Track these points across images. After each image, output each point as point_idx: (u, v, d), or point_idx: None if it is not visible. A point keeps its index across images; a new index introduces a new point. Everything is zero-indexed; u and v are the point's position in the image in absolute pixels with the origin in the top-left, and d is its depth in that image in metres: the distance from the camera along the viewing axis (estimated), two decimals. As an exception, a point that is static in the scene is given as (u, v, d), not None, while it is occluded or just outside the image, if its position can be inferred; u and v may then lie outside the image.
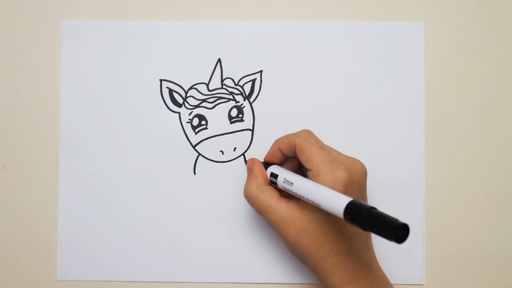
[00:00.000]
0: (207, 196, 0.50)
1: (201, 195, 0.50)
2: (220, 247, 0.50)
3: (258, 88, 0.50)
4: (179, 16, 0.51)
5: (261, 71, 0.50)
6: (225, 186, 0.50)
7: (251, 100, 0.50)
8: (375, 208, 0.36)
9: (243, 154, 0.50)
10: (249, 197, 0.45)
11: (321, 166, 0.42)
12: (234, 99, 0.50)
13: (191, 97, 0.50)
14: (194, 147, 0.50)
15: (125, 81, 0.50)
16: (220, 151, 0.50)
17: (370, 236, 0.45)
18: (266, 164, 0.48)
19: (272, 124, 0.50)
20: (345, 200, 0.38)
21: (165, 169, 0.50)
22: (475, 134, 0.51)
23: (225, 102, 0.50)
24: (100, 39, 0.50)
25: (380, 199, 0.50)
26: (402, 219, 0.50)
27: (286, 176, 0.44)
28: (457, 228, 0.50)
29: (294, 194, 0.43)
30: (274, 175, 0.46)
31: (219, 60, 0.50)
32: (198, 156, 0.50)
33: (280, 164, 0.47)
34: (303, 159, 0.44)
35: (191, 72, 0.50)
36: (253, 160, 0.48)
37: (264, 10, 0.51)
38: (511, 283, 0.50)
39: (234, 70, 0.50)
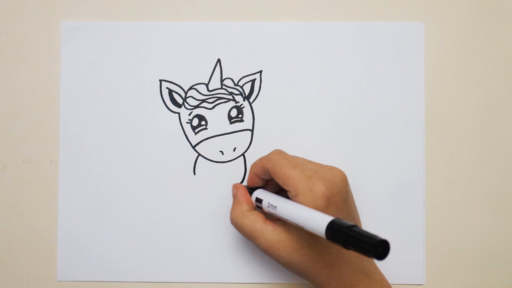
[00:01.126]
0: (207, 196, 0.50)
1: (201, 195, 0.50)
2: (220, 247, 0.50)
3: (258, 88, 0.50)
4: (178, 16, 0.51)
5: (260, 71, 0.50)
6: (225, 187, 0.50)
7: (251, 100, 0.50)
8: (355, 226, 0.36)
9: (243, 154, 0.50)
10: (235, 224, 0.45)
11: (298, 185, 0.42)
12: (233, 99, 0.50)
13: (190, 98, 0.50)
14: (194, 147, 0.50)
15: (124, 82, 0.50)
16: (220, 151, 0.50)
17: None
18: (251, 189, 0.47)
19: (272, 124, 0.50)
20: (326, 220, 0.37)
21: (165, 170, 0.50)
22: (475, 134, 0.51)
23: (224, 102, 0.50)
24: (100, 39, 0.50)
25: (380, 199, 0.50)
26: (402, 219, 0.50)
27: (270, 200, 0.44)
28: (457, 228, 0.50)
29: (280, 218, 0.43)
30: (259, 200, 0.45)
31: (218, 60, 0.50)
32: (198, 157, 0.50)
33: (264, 186, 0.47)
34: (279, 181, 0.43)
35: (191, 73, 0.50)
36: (236, 185, 0.48)
37: (264, 10, 0.51)
38: (511, 283, 0.50)
39: (234, 70, 0.50)
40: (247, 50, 0.50)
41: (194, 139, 0.50)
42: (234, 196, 0.47)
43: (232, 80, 0.50)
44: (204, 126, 0.50)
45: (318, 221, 0.38)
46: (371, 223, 0.50)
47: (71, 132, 0.50)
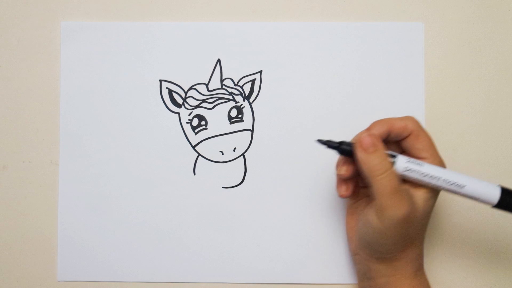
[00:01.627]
0: (207, 196, 0.50)
1: (201, 195, 0.50)
2: (220, 247, 0.50)
3: (258, 88, 0.50)
4: (178, 16, 0.51)
5: (260, 71, 0.50)
6: (225, 186, 0.50)
7: (251, 100, 0.50)
8: None
9: (243, 154, 0.50)
10: (384, 176, 0.41)
11: (436, 153, 0.43)
12: (233, 100, 0.50)
13: (190, 98, 0.50)
14: (194, 147, 0.50)
15: (124, 82, 0.50)
16: (220, 151, 0.50)
17: None
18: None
19: (271, 124, 0.50)
20: (496, 187, 0.41)
21: (165, 169, 0.50)
22: (475, 134, 0.51)
23: (224, 102, 0.50)
24: (100, 39, 0.50)
25: (380, 199, 0.50)
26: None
27: (410, 159, 0.43)
28: (457, 228, 0.50)
29: (421, 181, 0.42)
30: (391, 156, 0.43)
31: (218, 61, 0.50)
32: (198, 157, 0.50)
33: None
34: (419, 145, 0.43)
35: (191, 73, 0.50)
36: (372, 135, 0.43)
37: (264, 10, 0.51)
38: (511, 283, 0.50)
39: (234, 71, 0.50)
40: (247, 50, 0.50)
41: (194, 139, 0.50)
42: (374, 146, 0.42)
43: (232, 80, 0.50)
44: (204, 126, 0.50)
45: (489, 189, 0.42)
46: (371, 223, 0.50)
47: (71, 132, 0.50)
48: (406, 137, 0.44)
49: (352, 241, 0.47)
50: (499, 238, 0.50)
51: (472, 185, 0.42)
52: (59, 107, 0.50)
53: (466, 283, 0.50)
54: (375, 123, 0.44)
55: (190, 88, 0.50)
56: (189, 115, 0.50)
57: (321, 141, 0.44)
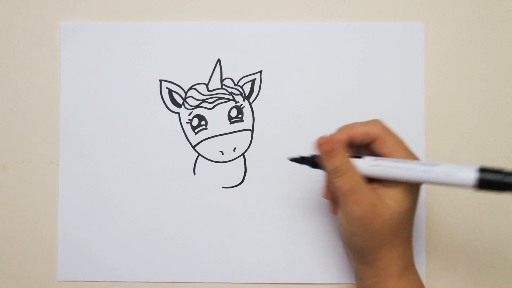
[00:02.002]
0: (207, 196, 0.50)
1: (201, 195, 0.50)
2: (220, 247, 0.50)
3: (258, 88, 0.50)
4: (178, 16, 0.51)
5: (260, 71, 0.50)
6: (225, 186, 0.50)
7: (251, 100, 0.50)
8: (503, 169, 0.38)
9: (243, 154, 0.50)
10: (340, 174, 0.42)
11: (405, 157, 0.42)
12: (233, 99, 0.50)
13: (190, 98, 0.50)
14: (193, 147, 0.50)
15: (124, 82, 0.50)
16: (220, 151, 0.50)
17: None
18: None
19: (271, 124, 0.50)
20: (474, 169, 0.39)
21: (165, 170, 0.50)
22: (475, 134, 0.51)
23: (224, 102, 0.50)
24: (100, 39, 0.50)
25: (380, 199, 0.50)
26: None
27: (392, 163, 0.42)
28: (457, 228, 0.50)
29: (392, 177, 0.41)
30: (374, 167, 0.42)
31: (218, 61, 0.50)
32: (198, 157, 0.50)
33: None
34: (385, 150, 0.42)
35: (191, 73, 0.50)
36: (328, 137, 0.43)
37: (264, 10, 0.51)
38: (511, 283, 0.50)
39: (234, 70, 0.50)
40: (247, 50, 0.50)
41: (194, 139, 0.50)
42: (332, 148, 0.42)
43: (232, 80, 0.50)
44: (204, 126, 0.50)
45: (464, 172, 0.39)
46: (371, 223, 0.50)
47: (71, 132, 0.50)
48: (372, 142, 0.43)
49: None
50: (499, 238, 0.50)
51: (445, 166, 0.40)
52: (59, 107, 0.50)
53: (466, 283, 0.50)
54: (338, 129, 0.44)
55: (190, 88, 0.50)
56: (189, 115, 0.50)
57: (294, 159, 0.45)
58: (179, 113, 0.50)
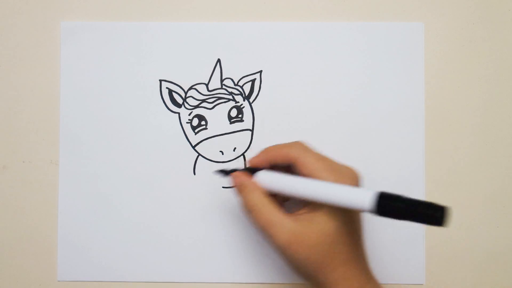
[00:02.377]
0: (207, 196, 0.50)
1: (201, 195, 0.50)
2: (220, 247, 0.50)
3: (258, 88, 0.50)
4: (178, 16, 0.51)
5: (260, 71, 0.50)
6: (225, 186, 0.50)
7: (251, 100, 0.50)
8: (404, 196, 0.35)
9: (243, 154, 0.50)
10: (251, 211, 0.42)
11: (327, 177, 0.40)
12: (233, 99, 0.50)
13: (190, 98, 0.50)
14: (193, 147, 0.50)
15: (124, 82, 0.50)
16: (220, 151, 0.50)
17: (365, 245, 0.44)
18: (251, 171, 0.44)
19: (271, 124, 0.50)
20: (371, 193, 0.36)
21: (165, 169, 0.50)
22: (475, 134, 0.51)
23: (224, 102, 0.50)
24: (100, 39, 0.50)
25: (380, 199, 0.50)
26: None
27: (289, 180, 0.41)
28: (457, 228, 0.50)
29: (304, 198, 0.41)
30: (274, 182, 0.42)
31: (218, 60, 0.50)
32: (198, 156, 0.50)
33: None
34: (304, 171, 0.41)
35: (191, 73, 0.50)
36: (237, 174, 0.44)
37: (264, 10, 0.51)
38: (511, 283, 0.50)
39: (234, 70, 0.50)
40: (247, 50, 0.50)
41: (194, 139, 0.50)
42: (241, 185, 0.43)
43: (232, 80, 0.50)
44: (204, 126, 0.50)
45: (363, 195, 0.37)
46: (371, 222, 0.50)
47: (71, 132, 0.50)
48: (293, 164, 0.42)
49: None
50: (499, 238, 0.50)
51: (345, 189, 0.38)
52: (59, 107, 0.50)
53: (466, 283, 0.50)
54: (260, 152, 0.44)
55: (190, 88, 0.50)
56: (189, 115, 0.50)
57: (218, 172, 0.46)
58: (179, 113, 0.50)
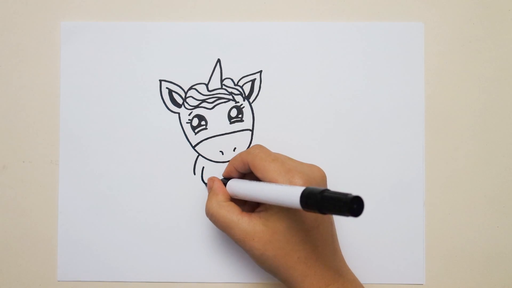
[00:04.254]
0: (207, 196, 0.50)
1: (201, 195, 0.50)
2: (220, 247, 0.50)
3: (258, 88, 0.50)
4: (178, 16, 0.51)
5: (260, 71, 0.50)
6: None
7: (251, 100, 0.50)
8: (328, 190, 0.36)
9: (243, 154, 0.50)
10: (211, 215, 0.45)
11: (278, 178, 0.42)
12: (233, 99, 0.50)
13: (190, 98, 0.50)
14: (193, 147, 0.50)
15: (124, 82, 0.50)
16: (220, 151, 0.50)
17: (337, 240, 0.44)
18: (226, 180, 0.48)
19: (271, 124, 0.50)
20: (299, 189, 0.38)
21: (165, 169, 0.50)
22: (475, 134, 0.51)
23: (224, 102, 0.50)
24: (100, 39, 0.50)
25: (380, 199, 0.50)
26: (402, 219, 0.50)
27: (242, 184, 0.45)
28: (457, 228, 0.50)
29: (253, 199, 0.43)
30: (232, 187, 0.46)
31: (218, 60, 0.50)
32: (198, 157, 0.50)
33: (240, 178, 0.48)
34: (259, 175, 0.43)
35: (191, 73, 0.50)
36: (212, 178, 0.48)
37: (264, 10, 0.51)
38: (511, 283, 0.50)
39: (234, 70, 0.50)
40: (247, 50, 0.50)
41: (194, 139, 0.50)
42: (210, 188, 0.47)
43: (232, 80, 0.50)
44: (204, 126, 0.50)
45: (291, 192, 0.38)
46: (371, 222, 0.50)
47: (71, 132, 0.50)
48: (251, 169, 0.44)
49: None
50: (499, 238, 0.50)
51: (281, 196, 0.39)
52: (59, 107, 0.50)
53: (466, 283, 0.50)
54: (228, 162, 0.49)
55: (190, 88, 0.50)
56: (189, 115, 0.50)
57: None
58: (179, 113, 0.50)
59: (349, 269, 0.44)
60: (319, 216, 0.42)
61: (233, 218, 0.43)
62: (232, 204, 0.45)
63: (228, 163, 0.48)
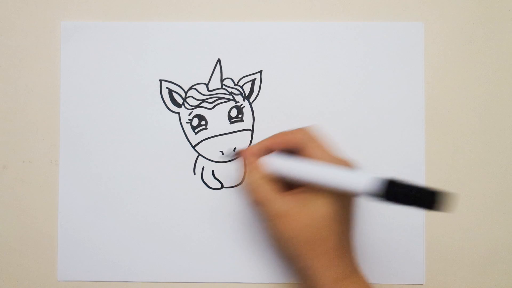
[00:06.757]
0: (207, 196, 0.50)
1: (201, 195, 0.50)
2: (220, 247, 0.50)
3: (258, 88, 0.50)
4: (178, 16, 0.51)
5: (260, 71, 0.50)
6: (225, 186, 0.50)
7: (251, 100, 0.50)
8: (404, 181, 0.37)
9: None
10: (250, 187, 0.43)
11: (335, 162, 0.42)
12: (233, 99, 0.50)
13: (190, 97, 0.50)
14: (194, 147, 0.50)
15: (124, 82, 0.50)
16: (220, 151, 0.50)
17: (355, 239, 0.45)
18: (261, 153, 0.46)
19: (271, 124, 0.50)
20: (378, 177, 0.37)
21: (165, 169, 0.50)
22: (475, 134, 0.51)
23: (224, 102, 0.50)
24: (100, 39, 0.50)
25: (380, 199, 0.50)
26: (402, 219, 0.50)
27: (293, 163, 0.43)
28: (457, 228, 0.50)
29: (302, 180, 0.41)
30: (276, 164, 0.44)
31: (218, 60, 0.50)
32: (198, 156, 0.50)
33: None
34: (309, 157, 0.43)
35: (191, 73, 0.50)
36: (252, 151, 0.46)
37: (264, 10, 0.51)
38: (511, 283, 0.50)
39: (234, 70, 0.50)
40: (247, 50, 0.50)
41: (194, 139, 0.50)
42: (246, 163, 0.45)
43: (232, 80, 0.50)
44: (204, 126, 0.50)
45: (363, 178, 0.38)
46: (371, 222, 0.50)
47: (71, 132, 0.50)
48: (299, 149, 0.43)
49: None
50: (499, 238, 0.50)
51: (348, 173, 0.39)
52: (59, 107, 0.50)
53: (466, 283, 0.50)
54: (268, 138, 0.46)
55: (190, 88, 0.50)
56: (189, 115, 0.50)
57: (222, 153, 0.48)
58: (179, 113, 0.50)
59: (359, 266, 0.44)
60: (354, 209, 0.42)
61: (272, 195, 0.42)
62: (273, 180, 0.43)
63: (270, 137, 0.46)
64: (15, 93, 0.51)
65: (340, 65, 0.50)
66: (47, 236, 0.50)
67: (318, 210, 0.41)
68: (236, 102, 0.50)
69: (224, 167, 0.50)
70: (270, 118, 0.50)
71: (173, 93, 0.50)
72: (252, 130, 0.50)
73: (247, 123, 0.50)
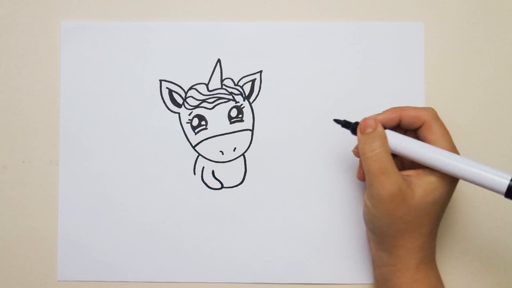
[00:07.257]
0: (207, 196, 0.50)
1: (201, 195, 0.50)
2: (220, 247, 0.50)
3: (258, 88, 0.50)
4: (178, 16, 0.51)
5: (260, 71, 0.50)
6: (225, 186, 0.50)
7: (251, 100, 0.50)
8: None
9: (243, 154, 0.50)
10: (372, 155, 0.42)
11: (451, 148, 0.42)
12: (234, 99, 0.50)
13: (190, 98, 0.50)
14: (194, 147, 0.50)
15: (124, 82, 0.50)
16: (220, 151, 0.50)
17: None
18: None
19: (271, 124, 0.50)
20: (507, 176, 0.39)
21: (165, 169, 0.50)
22: (475, 134, 0.51)
23: (225, 102, 0.50)
24: (100, 39, 0.50)
25: (380, 199, 0.50)
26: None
27: (421, 145, 0.42)
28: (457, 228, 0.50)
29: (432, 166, 0.42)
30: (398, 142, 0.43)
31: (218, 60, 0.50)
32: (198, 157, 0.50)
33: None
34: (430, 137, 0.43)
35: (191, 73, 0.50)
36: (375, 117, 0.44)
37: (264, 10, 0.51)
38: (511, 283, 0.50)
39: (234, 70, 0.50)
40: (247, 50, 0.50)
41: (194, 139, 0.50)
42: (370, 129, 0.43)
43: (232, 80, 0.50)
44: (204, 126, 0.50)
45: (500, 177, 0.40)
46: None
47: (71, 132, 0.50)
48: (420, 127, 0.44)
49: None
50: (499, 238, 0.50)
51: (480, 166, 0.41)
52: (59, 107, 0.50)
53: (466, 283, 0.50)
54: (388, 109, 0.45)
55: (190, 88, 0.50)
56: (189, 115, 0.50)
57: (337, 121, 0.45)
58: (179, 113, 0.50)
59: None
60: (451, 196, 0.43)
61: (394, 169, 0.41)
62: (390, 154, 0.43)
63: (389, 110, 0.44)
64: (15, 93, 0.51)
65: (340, 65, 0.50)
66: (47, 236, 0.50)
67: (427, 194, 0.41)
68: (236, 102, 0.50)
69: (224, 167, 0.50)
70: (270, 118, 0.50)
71: (173, 93, 0.50)
72: (252, 130, 0.50)
73: (247, 123, 0.50)
